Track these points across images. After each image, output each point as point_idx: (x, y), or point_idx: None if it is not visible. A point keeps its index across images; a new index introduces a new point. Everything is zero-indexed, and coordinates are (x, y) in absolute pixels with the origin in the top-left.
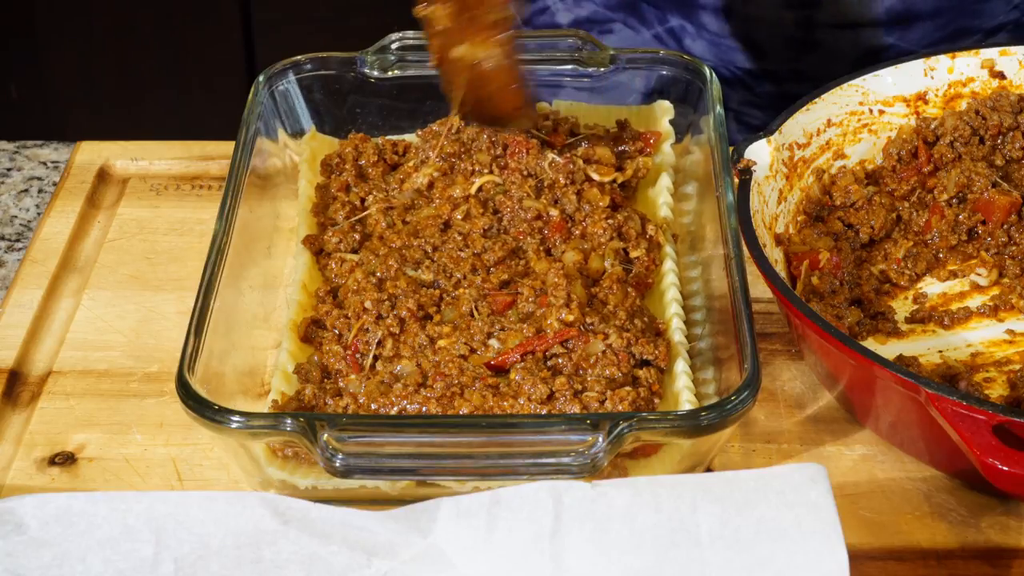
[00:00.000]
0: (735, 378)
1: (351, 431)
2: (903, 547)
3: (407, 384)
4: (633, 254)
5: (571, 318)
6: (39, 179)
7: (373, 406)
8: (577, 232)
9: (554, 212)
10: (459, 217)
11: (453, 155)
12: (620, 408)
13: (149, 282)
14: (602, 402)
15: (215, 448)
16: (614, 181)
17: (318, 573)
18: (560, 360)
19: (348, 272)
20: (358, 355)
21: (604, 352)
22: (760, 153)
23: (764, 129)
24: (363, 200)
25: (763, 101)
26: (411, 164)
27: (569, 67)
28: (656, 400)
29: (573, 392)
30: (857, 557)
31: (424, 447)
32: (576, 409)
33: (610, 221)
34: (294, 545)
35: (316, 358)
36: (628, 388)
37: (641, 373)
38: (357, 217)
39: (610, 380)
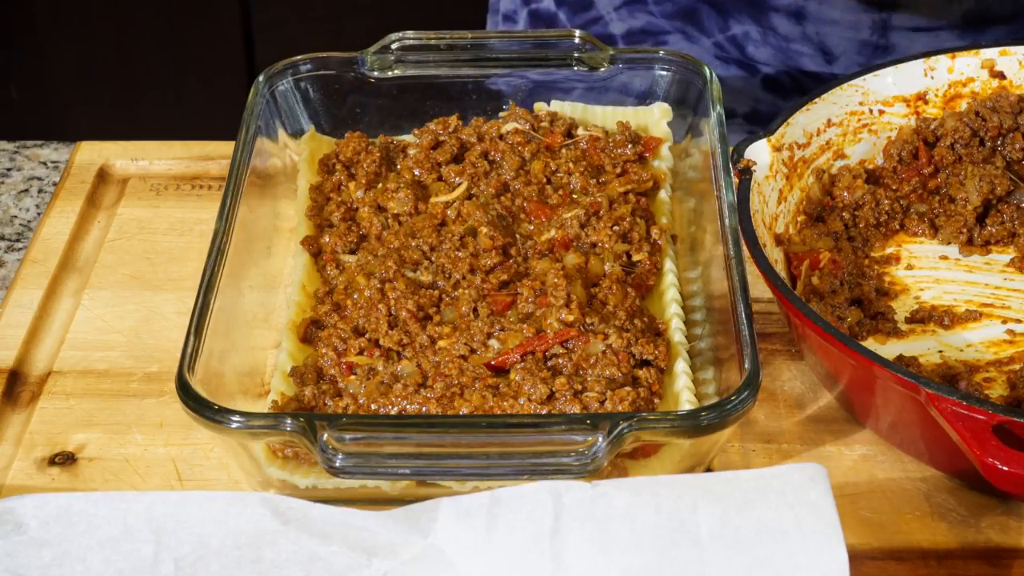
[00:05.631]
0: (735, 378)
1: (351, 431)
2: (903, 547)
3: (407, 384)
4: (636, 257)
5: (571, 318)
6: (39, 179)
7: (373, 406)
8: (587, 243)
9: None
10: (452, 216)
11: (423, 175)
12: (620, 408)
13: (149, 282)
14: (602, 402)
15: (215, 448)
16: (630, 191)
17: (318, 573)
18: (560, 360)
19: (345, 273)
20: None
21: (604, 352)
22: (760, 153)
23: (764, 129)
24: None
25: None
26: (392, 184)
27: (569, 67)
28: (656, 400)
29: (573, 392)
30: (857, 557)
31: (424, 447)
32: (576, 409)
33: (616, 228)
34: (294, 545)
35: (311, 361)
36: (628, 388)
37: (641, 373)
38: (349, 217)
39: (610, 380)
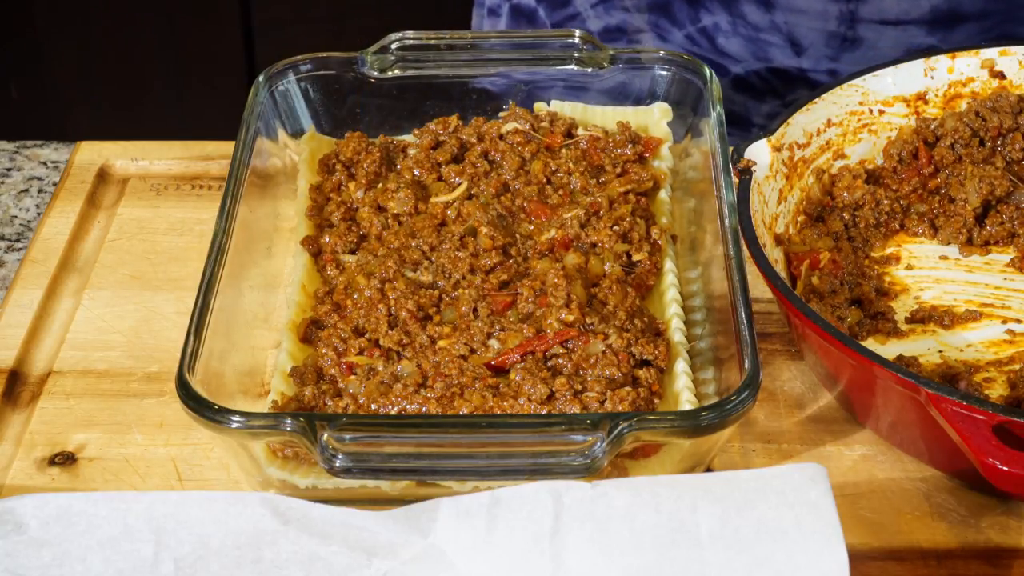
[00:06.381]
0: (735, 378)
1: (351, 431)
2: (903, 547)
3: (407, 384)
4: (636, 257)
5: (571, 318)
6: (39, 179)
7: (373, 406)
8: (587, 243)
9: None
10: (452, 216)
11: (423, 175)
12: (620, 408)
13: (149, 282)
14: (602, 402)
15: (215, 448)
16: (630, 191)
17: (318, 573)
18: (560, 360)
19: (345, 273)
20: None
21: (604, 352)
22: (760, 153)
23: (765, 130)
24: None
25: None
26: (392, 184)
27: (569, 67)
28: (656, 400)
29: (573, 392)
30: (857, 557)
31: (424, 447)
32: (576, 409)
33: (616, 228)
34: (294, 545)
35: (311, 361)
36: (628, 388)
37: (641, 373)
38: (349, 217)
39: (610, 380)
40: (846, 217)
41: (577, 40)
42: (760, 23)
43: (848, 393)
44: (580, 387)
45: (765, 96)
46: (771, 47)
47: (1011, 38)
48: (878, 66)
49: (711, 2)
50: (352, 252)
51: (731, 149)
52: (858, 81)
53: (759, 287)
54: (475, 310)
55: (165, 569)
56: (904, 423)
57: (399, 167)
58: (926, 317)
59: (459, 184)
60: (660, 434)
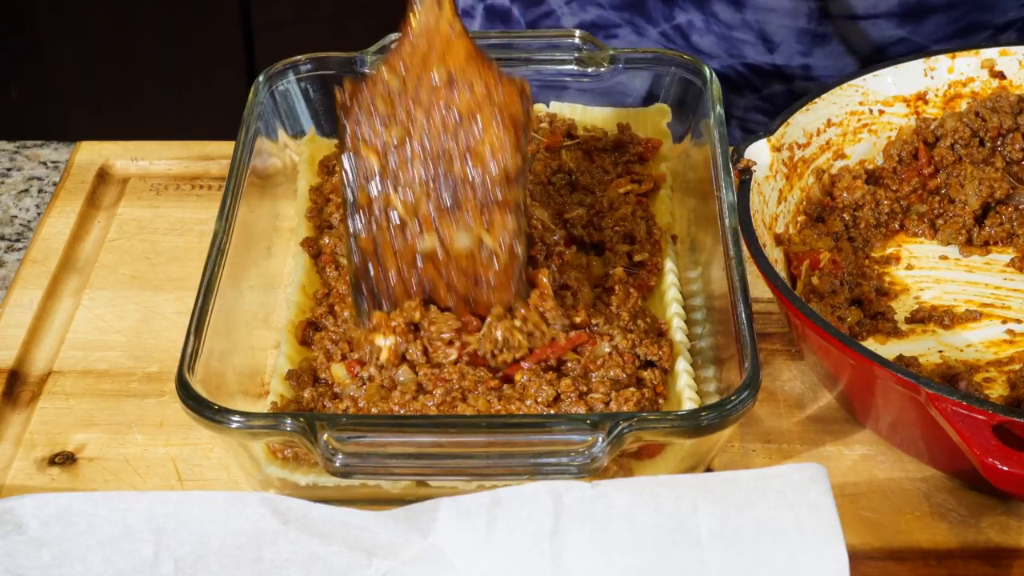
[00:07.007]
0: (735, 378)
1: (351, 431)
2: (903, 547)
3: (404, 392)
4: (637, 258)
5: (579, 319)
6: (39, 179)
7: (373, 410)
8: (588, 243)
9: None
10: None
11: None
12: (625, 410)
13: (149, 282)
14: (607, 404)
15: (215, 448)
16: (631, 192)
17: (318, 573)
18: (569, 364)
19: (343, 277)
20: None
21: (610, 354)
22: (760, 153)
23: (765, 130)
24: None
25: (769, 105)
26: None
27: (569, 67)
28: (660, 401)
29: (578, 394)
30: (857, 557)
31: (425, 447)
32: (581, 411)
33: (616, 228)
34: (294, 545)
35: (306, 364)
36: (632, 389)
37: (646, 374)
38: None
39: (615, 381)
40: (846, 217)
41: (577, 40)
42: (732, 21)
43: (848, 393)
44: (585, 389)
45: (743, 90)
46: (744, 44)
47: (980, 26)
48: (878, 66)
49: (684, 1)
50: None
51: (731, 149)
52: (858, 81)
53: (759, 287)
54: None
55: (165, 569)
56: (904, 423)
57: None
58: (926, 317)
59: None
60: (660, 434)
